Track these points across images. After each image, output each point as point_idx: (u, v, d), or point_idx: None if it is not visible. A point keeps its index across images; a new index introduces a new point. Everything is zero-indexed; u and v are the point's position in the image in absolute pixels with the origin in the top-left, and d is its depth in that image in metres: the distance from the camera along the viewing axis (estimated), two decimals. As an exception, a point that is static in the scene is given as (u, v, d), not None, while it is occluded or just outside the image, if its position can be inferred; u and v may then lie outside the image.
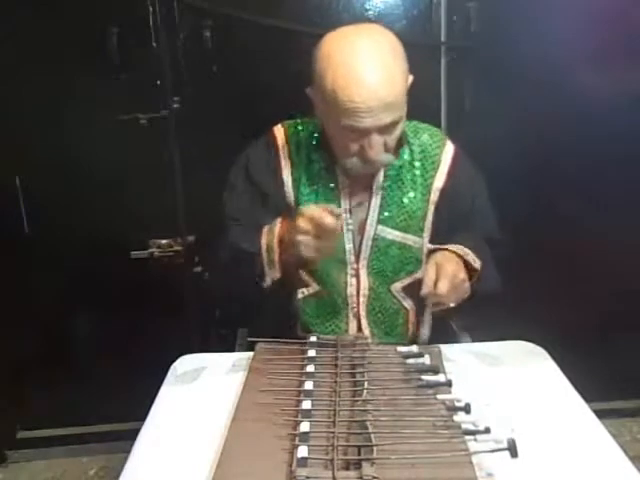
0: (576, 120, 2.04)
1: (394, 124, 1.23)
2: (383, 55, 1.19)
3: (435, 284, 1.19)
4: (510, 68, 1.97)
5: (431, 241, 1.40)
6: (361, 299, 1.40)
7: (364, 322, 1.41)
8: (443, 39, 2.03)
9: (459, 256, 1.29)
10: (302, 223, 1.17)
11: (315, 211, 1.17)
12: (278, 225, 1.28)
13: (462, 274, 1.24)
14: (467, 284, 1.25)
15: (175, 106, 2.02)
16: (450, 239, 1.36)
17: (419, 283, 1.27)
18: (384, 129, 1.22)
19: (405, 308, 1.43)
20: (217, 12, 1.95)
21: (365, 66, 1.17)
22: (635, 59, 2.05)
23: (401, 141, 1.35)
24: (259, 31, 1.97)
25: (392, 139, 1.26)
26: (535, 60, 1.96)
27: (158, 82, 2.01)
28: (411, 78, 1.28)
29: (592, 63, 2.02)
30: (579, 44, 1.94)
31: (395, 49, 1.22)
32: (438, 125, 2.02)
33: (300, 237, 1.18)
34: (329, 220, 1.15)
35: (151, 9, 1.94)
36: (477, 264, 1.30)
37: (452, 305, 1.23)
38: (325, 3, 1.96)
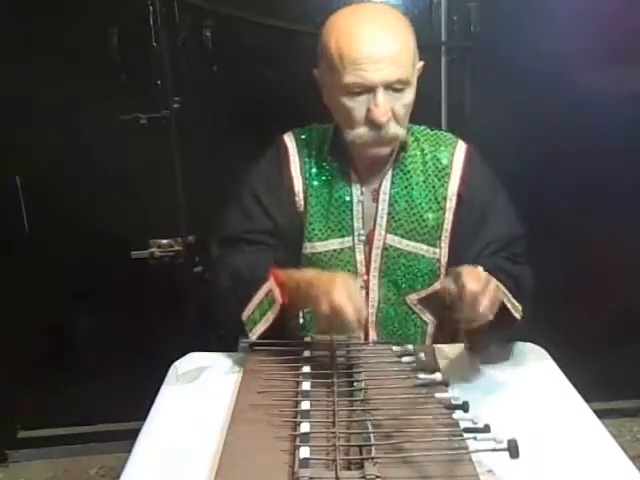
0: (577, 119, 2.04)
1: (401, 84, 1.19)
2: (388, 18, 1.21)
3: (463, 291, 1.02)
4: (510, 68, 1.97)
5: (451, 251, 1.34)
6: (370, 311, 1.35)
7: (372, 335, 1.37)
8: (443, 39, 2.03)
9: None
10: (323, 304, 1.08)
11: (345, 304, 1.05)
12: (278, 295, 1.21)
13: (484, 276, 1.07)
14: (494, 282, 1.08)
15: (175, 106, 2.02)
16: (469, 250, 1.31)
17: (437, 295, 1.22)
18: (390, 89, 1.18)
19: (423, 321, 1.39)
20: (217, 12, 1.95)
21: (369, 24, 1.18)
22: (635, 57, 2.05)
23: (408, 136, 1.32)
24: (259, 31, 1.97)
25: (400, 106, 1.21)
26: (535, 60, 1.96)
27: (158, 82, 2.01)
28: (421, 63, 1.27)
29: (592, 62, 2.03)
30: (579, 43, 1.95)
31: (401, 19, 1.23)
32: (438, 125, 2.03)
33: (318, 311, 1.10)
34: (351, 322, 1.06)
35: (151, 9, 1.94)
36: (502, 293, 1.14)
37: (490, 317, 1.06)
38: (326, 3, 1.96)
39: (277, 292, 1.22)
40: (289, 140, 1.39)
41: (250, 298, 1.24)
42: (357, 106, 1.20)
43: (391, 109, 1.20)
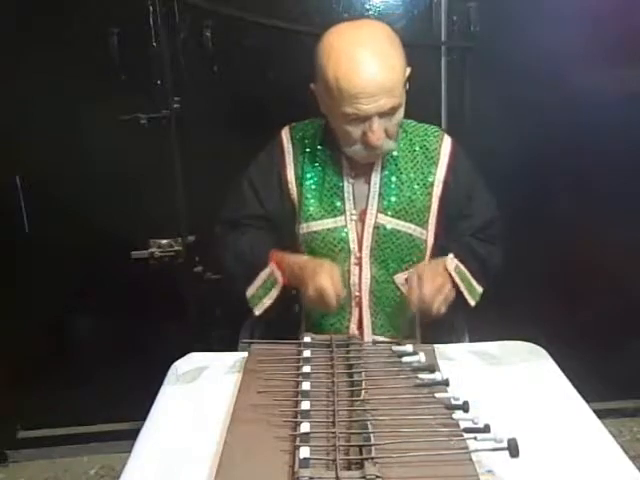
0: (576, 119, 2.04)
1: (394, 109, 1.29)
2: (382, 44, 1.27)
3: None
4: (510, 68, 1.97)
5: (436, 234, 1.45)
6: (363, 287, 1.43)
7: (365, 311, 1.45)
8: (443, 39, 2.03)
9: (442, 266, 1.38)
10: (309, 287, 1.28)
11: (327, 287, 1.27)
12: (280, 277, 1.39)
13: (442, 278, 1.34)
14: (449, 286, 1.35)
15: (175, 106, 2.02)
16: (452, 231, 1.46)
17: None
18: (384, 115, 1.28)
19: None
20: (217, 12, 1.95)
21: (365, 55, 1.25)
22: (635, 58, 2.05)
23: (399, 131, 1.41)
24: (259, 31, 1.97)
25: (392, 125, 1.32)
26: (535, 60, 1.96)
27: (158, 82, 2.01)
28: (409, 70, 1.33)
29: (592, 62, 2.03)
30: (579, 43, 1.95)
31: (393, 40, 1.30)
32: (438, 125, 2.03)
33: (306, 292, 1.30)
34: (332, 303, 1.28)
35: (151, 9, 1.94)
36: (455, 272, 1.39)
37: (442, 311, 1.32)
38: (325, 3, 1.96)
39: (279, 274, 1.39)
40: (285, 134, 1.49)
41: (254, 277, 1.42)
42: (354, 129, 1.30)
43: (385, 130, 1.31)
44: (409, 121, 1.47)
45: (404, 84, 1.30)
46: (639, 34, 2.01)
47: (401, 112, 1.32)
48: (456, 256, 1.41)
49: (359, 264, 1.43)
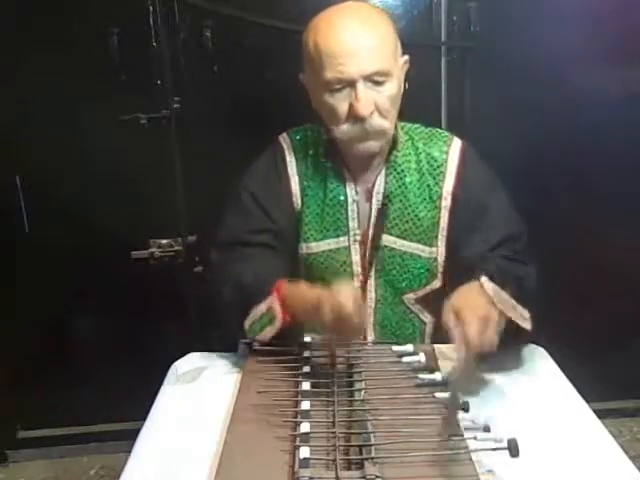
0: (576, 119, 2.04)
1: (380, 76, 1.19)
2: (365, 14, 1.22)
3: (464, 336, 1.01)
4: (510, 68, 1.97)
5: (448, 250, 1.33)
6: (368, 311, 1.35)
7: (370, 337, 1.37)
8: (443, 39, 2.03)
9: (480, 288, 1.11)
10: (326, 307, 1.04)
11: (342, 297, 1.03)
12: (279, 311, 1.17)
13: (484, 308, 1.05)
14: (495, 315, 1.05)
15: (175, 106, 2.02)
16: (465, 248, 1.29)
17: (435, 295, 1.29)
18: (371, 82, 1.19)
19: (421, 321, 1.39)
20: (217, 12, 1.95)
21: (346, 20, 1.20)
22: (635, 57, 2.05)
23: (397, 135, 1.31)
24: (259, 31, 1.97)
25: (383, 99, 1.20)
26: (535, 60, 1.96)
27: (158, 82, 2.01)
28: (405, 58, 1.27)
29: (592, 62, 2.03)
30: (579, 43, 1.95)
31: (380, 12, 1.26)
32: (438, 125, 2.03)
33: (321, 319, 1.06)
34: (352, 310, 1.02)
35: (151, 9, 1.94)
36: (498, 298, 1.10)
37: (494, 346, 1.04)
38: (324, 3, 1.95)
39: (278, 309, 1.17)
40: (284, 141, 1.38)
41: (252, 308, 1.20)
42: (340, 103, 1.21)
43: (374, 102, 1.20)
44: (415, 126, 1.37)
45: (394, 57, 1.22)
46: (639, 34, 2.01)
47: (392, 86, 1.21)
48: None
49: (363, 287, 1.34)
